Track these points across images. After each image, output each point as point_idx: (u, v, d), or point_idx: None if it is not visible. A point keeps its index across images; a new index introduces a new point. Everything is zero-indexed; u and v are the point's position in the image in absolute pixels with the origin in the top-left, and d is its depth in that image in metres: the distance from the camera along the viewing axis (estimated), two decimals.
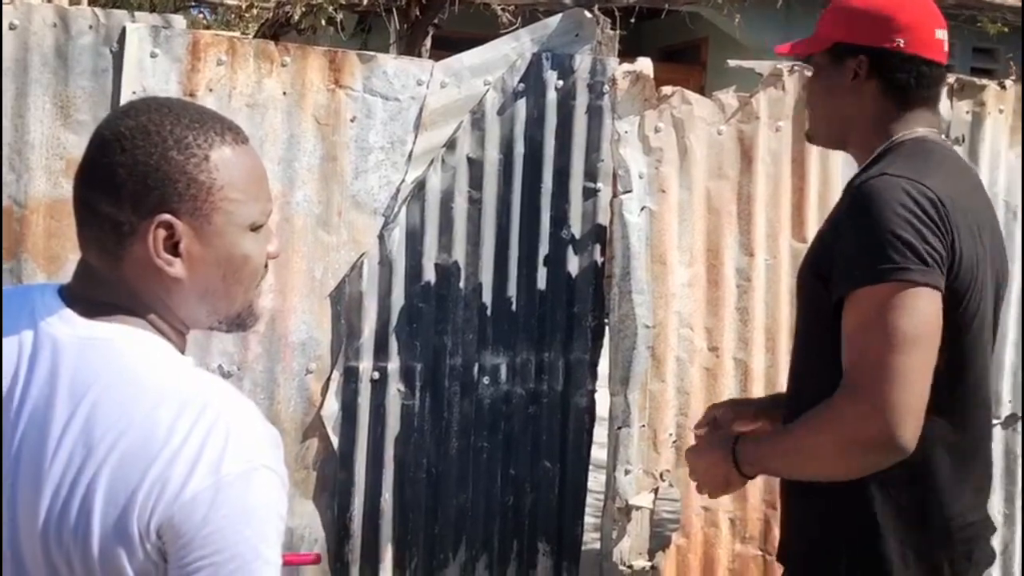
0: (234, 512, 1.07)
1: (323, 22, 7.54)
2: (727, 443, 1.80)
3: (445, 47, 4.71)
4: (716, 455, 1.82)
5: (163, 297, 1.17)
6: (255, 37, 11.85)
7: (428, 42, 8.29)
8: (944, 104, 3.14)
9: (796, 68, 2.95)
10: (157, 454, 1.06)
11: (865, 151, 1.84)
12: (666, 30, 9.64)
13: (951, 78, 3.14)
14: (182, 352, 1.19)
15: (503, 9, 7.19)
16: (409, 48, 8.21)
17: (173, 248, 1.14)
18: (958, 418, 1.73)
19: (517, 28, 3.08)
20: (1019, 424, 3.36)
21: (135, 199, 1.12)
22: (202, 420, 1.08)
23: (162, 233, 1.13)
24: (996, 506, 3.38)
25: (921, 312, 1.58)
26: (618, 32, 2.98)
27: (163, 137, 1.13)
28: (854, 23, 1.81)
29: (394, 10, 7.51)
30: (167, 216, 1.13)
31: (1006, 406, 3.34)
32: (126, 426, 1.07)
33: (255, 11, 8.08)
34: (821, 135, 1.95)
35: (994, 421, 3.30)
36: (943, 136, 1.92)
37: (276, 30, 10.67)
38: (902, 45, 1.79)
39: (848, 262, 1.65)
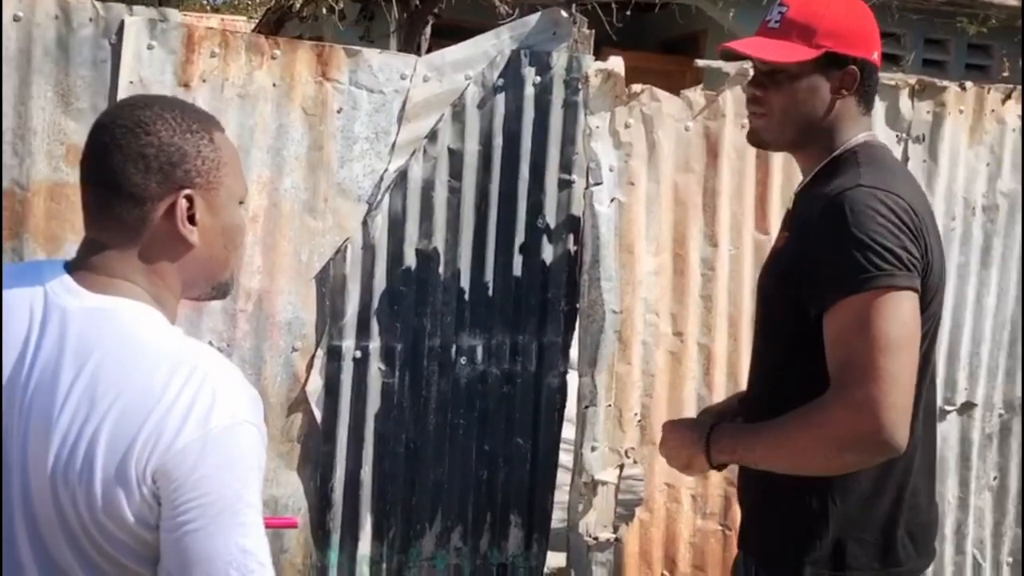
0: (220, 461, 1.21)
1: (324, 10, 7.67)
2: (704, 427, 1.86)
3: (444, 36, 4.83)
4: (690, 435, 1.87)
5: (172, 266, 1.32)
6: (260, 22, 11.94)
7: (428, 31, 8.40)
8: (905, 104, 3.27)
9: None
10: (152, 409, 1.20)
11: (817, 157, 1.87)
12: (666, 23, 9.73)
13: (912, 79, 3.26)
14: (172, 322, 1.34)
15: (501, 1, 7.31)
16: (409, 37, 8.33)
17: (191, 219, 1.30)
18: (922, 414, 1.81)
19: (516, 19, 3.19)
20: (974, 411, 3.50)
21: (163, 174, 1.28)
22: (192, 380, 1.22)
23: (185, 204, 1.29)
24: (951, 490, 3.52)
25: (905, 316, 1.64)
26: (616, 24, 3.10)
27: (178, 122, 1.30)
28: (846, 35, 1.83)
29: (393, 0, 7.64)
30: (189, 190, 1.29)
31: (961, 393, 3.48)
32: (125, 384, 1.21)
33: None
34: (778, 139, 1.92)
35: (948, 408, 3.45)
36: (897, 135, 2.01)
37: (280, 16, 10.78)
38: (876, 58, 1.88)
39: (828, 273, 1.69)
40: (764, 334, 1.93)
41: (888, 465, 1.75)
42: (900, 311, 1.63)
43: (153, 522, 1.22)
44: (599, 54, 3.10)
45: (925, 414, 1.85)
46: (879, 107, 3.20)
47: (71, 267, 1.32)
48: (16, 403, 1.24)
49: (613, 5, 7.65)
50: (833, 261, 1.68)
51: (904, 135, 3.26)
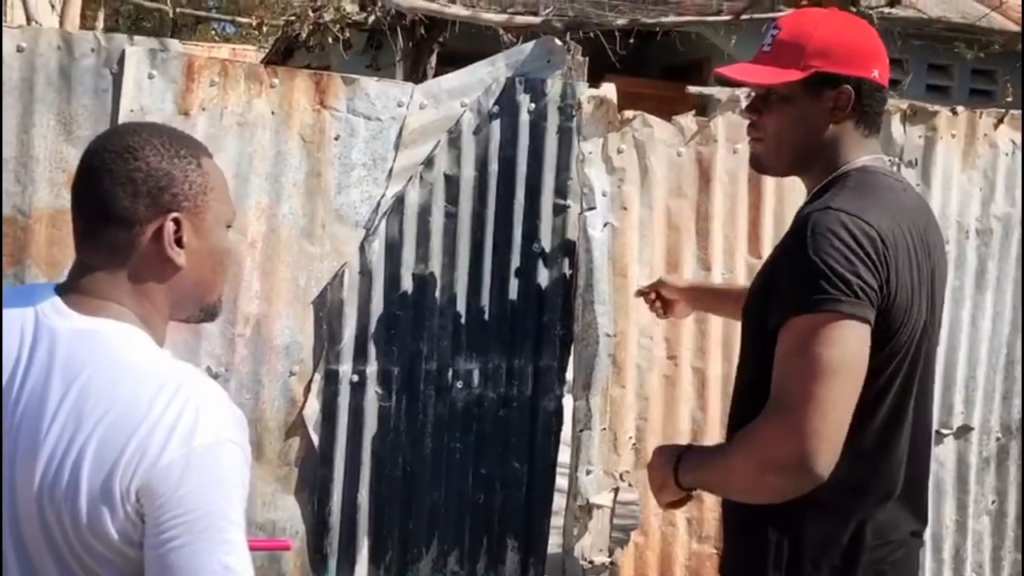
0: (204, 478, 1.24)
1: (330, 40, 7.76)
2: (674, 453, 1.85)
3: (449, 64, 4.88)
4: (662, 458, 1.88)
5: (160, 288, 1.35)
6: (270, 51, 12.06)
7: (433, 59, 8.49)
8: (897, 129, 3.30)
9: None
10: (137, 427, 1.23)
11: (819, 178, 1.84)
12: (669, 50, 9.82)
13: (904, 104, 3.30)
14: (161, 344, 1.37)
15: (505, 30, 7.39)
16: (414, 65, 8.41)
17: (178, 242, 1.34)
18: (880, 444, 1.76)
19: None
20: (971, 435, 3.50)
21: (151, 198, 1.32)
22: (176, 398, 1.25)
23: (172, 227, 1.33)
24: (949, 514, 3.52)
25: (847, 343, 1.61)
26: (620, 51, 3.12)
27: (166, 148, 1.34)
28: (836, 54, 1.79)
29: (399, 29, 7.72)
30: (176, 213, 1.33)
31: (958, 417, 3.49)
32: (111, 403, 1.24)
33: (265, 28, 8.37)
34: (777, 163, 1.91)
35: (945, 432, 3.45)
36: (887, 161, 1.97)
37: (288, 45, 10.90)
38: (877, 76, 1.82)
39: (784, 291, 1.69)
40: (741, 348, 1.94)
41: (849, 500, 1.74)
42: (842, 338, 1.61)
43: (137, 539, 1.24)
44: (602, 81, 3.13)
45: (908, 450, 1.81)
46: None
47: (62, 290, 1.35)
48: (5, 424, 1.27)
49: (616, 33, 7.72)
50: (788, 280, 1.69)
51: (897, 159, 3.30)
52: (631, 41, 7.79)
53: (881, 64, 1.84)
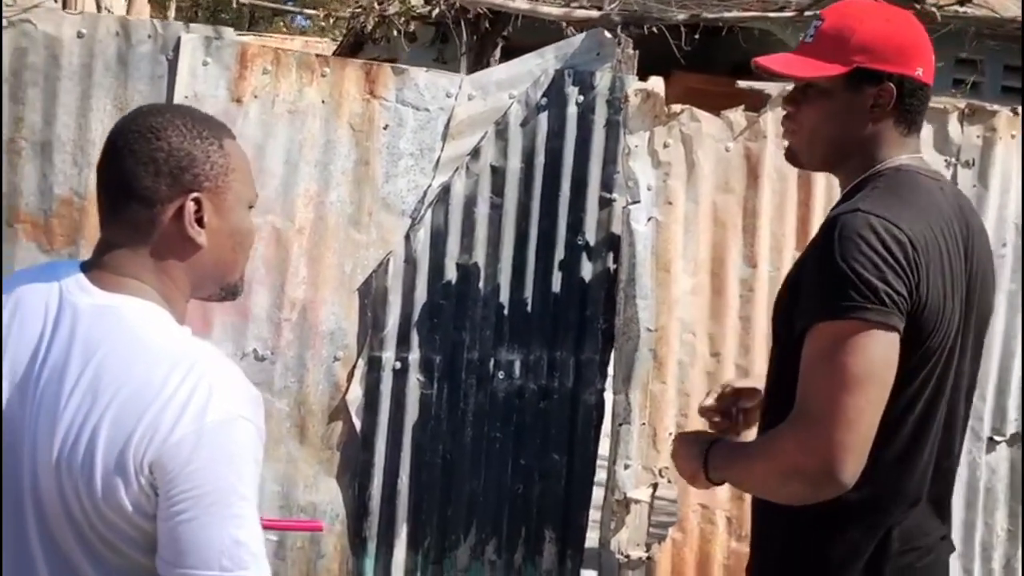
0: (214, 454, 1.26)
1: (395, 32, 7.81)
2: (704, 444, 1.84)
3: (513, 57, 4.89)
4: (691, 451, 1.86)
5: (181, 266, 1.38)
6: (340, 44, 12.20)
7: (497, 53, 8.50)
8: (954, 128, 3.23)
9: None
10: (151, 403, 1.25)
11: (853, 176, 1.80)
12: (735, 46, 9.70)
13: (961, 103, 3.22)
14: (182, 321, 1.40)
15: (568, 23, 7.37)
16: (478, 58, 8.43)
17: (199, 221, 1.37)
18: (907, 451, 1.73)
19: None
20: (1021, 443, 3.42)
21: (172, 177, 1.35)
22: (190, 376, 1.28)
23: (192, 206, 1.36)
24: (1000, 523, 3.43)
25: (873, 352, 1.58)
26: (685, 47, 3.07)
27: (188, 128, 1.37)
28: (880, 50, 1.74)
29: (463, 23, 7.74)
30: (197, 193, 1.36)
31: (1012, 424, 3.40)
32: (126, 379, 1.27)
33: (332, 21, 8.46)
34: (813, 158, 1.86)
35: (998, 439, 3.37)
36: (925, 160, 1.85)
37: (359, 38, 11.01)
38: (921, 74, 1.76)
39: (810, 296, 1.66)
40: (771, 349, 1.91)
41: (875, 507, 1.72)
42: (868, 346, 1.58)
43: (151, 512, 1.27)
44: (668, 77, 3.10)
45: (936, 458, 1.77)
46: (927, 131, 3.16)
47: (86, 266, 1.39)
48: (28, 397, 1.31)
49: (682, 28, 7.65)
50: (814, 285, 1.66)
51: (953, 159, 3.22)
52: (696, 37, 7.70)
53: (926, 62, 1.78)
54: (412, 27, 8.09)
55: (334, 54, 11.38)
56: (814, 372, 1.62)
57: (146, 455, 1.25)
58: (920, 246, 1.64)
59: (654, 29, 7.26)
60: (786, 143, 1.90)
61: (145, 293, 1.36)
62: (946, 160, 3.23)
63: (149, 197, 1.34)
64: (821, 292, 1.64)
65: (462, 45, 8.20)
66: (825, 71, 1.76)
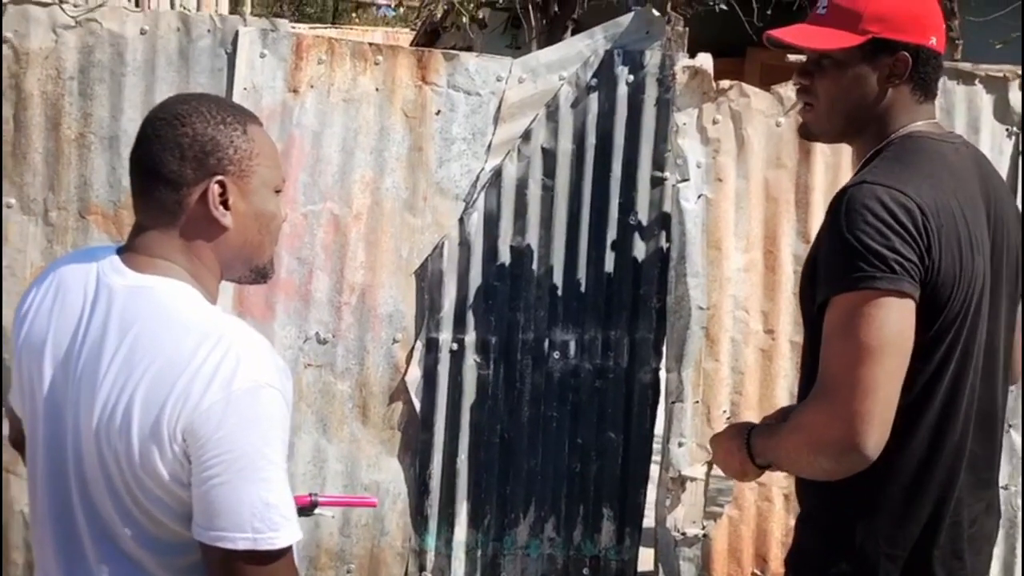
0: (241, 420, 1.33)
1: (465, 20, 7.87)
2: (742, 433, 1.84)
3: None
4: (732, 444, 1.86)
5: (208, 247, 1.45)
6: (417, 33, 12.32)
7: (568, 35, 8.50)
8: (1015, 96, 3.13)
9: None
10: (181, 373, 1.33)
11: (869, 146, 1.80)
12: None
13: (1020, 69, 3.13)
14: (213, 300, 1.48)
15: (636, 3, 7.34)
16: (549, 41, 8.44)
17: (224, 204, 1.44)
18: (939, 429, 1.72)
19: None
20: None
21: (197, 161, 1.42)
22: (218, 348, 1.35)
23: (217, 189, 1.43)
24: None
25: (887, 320, 1.58)
26: (757, 24, 3.04)
27: (213, 115, 1.44)
28: (894, 20, 1.74)
29: (530, 7, 7.76)
30: (221, 176, 1.43)
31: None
32: (158, 353, 1.35)
33: (402, 10, 8.58)
34: (829, 130, 1.85)
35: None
36: (940, 124, 1.83)
37: (435, 27, 11.12)
38: (934, 43, 1.77)
39: (824, 271, 1.67)
40: (805, 329, 1.89)
41: (923, 479, 1.71)
42: (881, 315, 1.59)
43: (186, 480, 1.35)
44: (742, 54, 3.09)
45: (974, 421, 1.75)
46: (987, 100, 3.09)
47: (121, 249, 1.48)
48: (70, 373, 1.41)
49: (754, 4, 7.55)
50: (826, 260, 1.67)
51: (1014, 128, 3.14)
52: (768, 13, 7.60)
53: (939, 31, 1.79)
54: (482, 14, 8.13)
55: (411, 44, 11.53)
56: (831, 345, 1.63)
57: (179, 423, 1.32)
58: (930, 211, 1.64)
59: (726, 6, 7.19)
60: (800, 118, 1.90)
61: (175, 273, 1.43)
62: (1007, 129, 3.14)
63: (176, 181, 1.41)
64: (833, 266, 1.65)
65: (532, 29, 8.22)
66: (840, 42, 1.75)
